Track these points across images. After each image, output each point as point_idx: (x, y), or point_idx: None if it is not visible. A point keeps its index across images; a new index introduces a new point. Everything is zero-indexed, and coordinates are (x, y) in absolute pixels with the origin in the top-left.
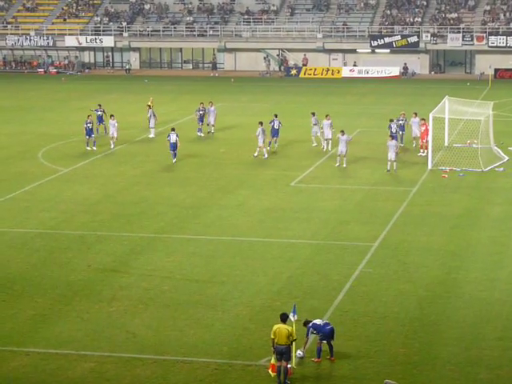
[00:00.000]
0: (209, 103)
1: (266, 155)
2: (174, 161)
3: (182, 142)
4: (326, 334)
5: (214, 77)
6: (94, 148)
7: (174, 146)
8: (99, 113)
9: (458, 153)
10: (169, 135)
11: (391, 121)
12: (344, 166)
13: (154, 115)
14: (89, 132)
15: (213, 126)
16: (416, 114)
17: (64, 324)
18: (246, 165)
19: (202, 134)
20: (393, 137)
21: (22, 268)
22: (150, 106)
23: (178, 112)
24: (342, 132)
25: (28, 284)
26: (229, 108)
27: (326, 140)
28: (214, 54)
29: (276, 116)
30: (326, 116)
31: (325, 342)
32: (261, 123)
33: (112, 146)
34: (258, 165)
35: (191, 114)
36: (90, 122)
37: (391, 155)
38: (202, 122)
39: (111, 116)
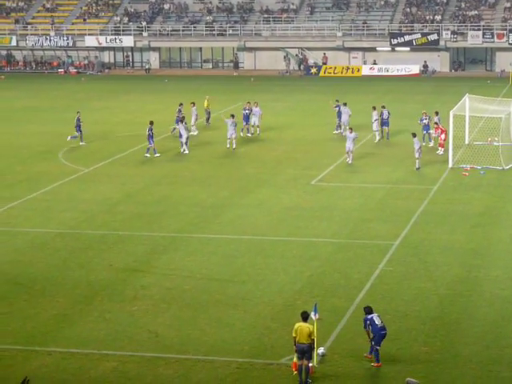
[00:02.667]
0: (254, 103)
1: (235, 145)
2: (181, 150)
3: (202, 141)
4: (379, 338)
5: (235, 76)
6: (157, 154)
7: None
8: (180, 114)
9: (478, 151)
10: (178, 125)
11: (383, 107)
12: (350, 162)
13: (208, 113)
14: (150, 139)
15: (258, 126)
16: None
17: (86, 323)
18: (266, 164)
19: (249, 135)
20: (384, 123)
21: (43, 268)
22: (195, 103)
23: (198, 111)
24: (351, 130)
25: (49, 284)
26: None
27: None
28: (235, 54)
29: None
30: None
31: (373, 343)
32: (232, 116)
33: (186, 151)
34: (278, 164)
35: (211, 113)
36: (151, 130)
37: (416, 152)
38: (247, 122)
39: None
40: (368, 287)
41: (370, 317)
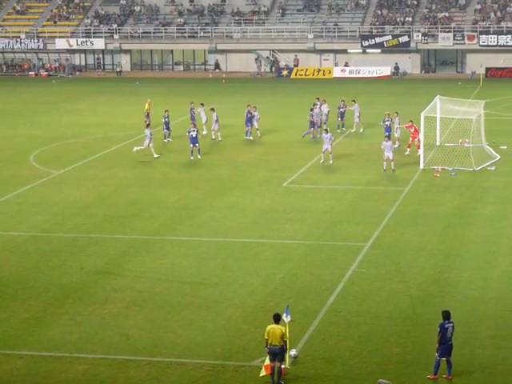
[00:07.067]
0: (253, 107)
1: (221, 138)
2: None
3: (172, 144)
4: (446, 348)
5: (207, 78)
6: (199, 157)
7: (195, 140)
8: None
9: (449, 152)
10: (189, 130)
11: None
12: (331, 162)
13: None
14: (193, 140)
15: (257, 129)
16: (397, 113)
17: (57, 327)
18: (238, 166)
19: (251, 138)
20: (313, 122)
21: (14, 271)
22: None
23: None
24: (326, 130)
25: (21, 287)
26: (220, 109)
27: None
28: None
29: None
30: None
31: (444, 359)
32: (212, 109)
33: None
34: (250, 166)
35: (183, 115)
36: (193, 130)
37: (388, 154)
38: (248, 125)
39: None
40: (340, 289)
41: (446, 326)
